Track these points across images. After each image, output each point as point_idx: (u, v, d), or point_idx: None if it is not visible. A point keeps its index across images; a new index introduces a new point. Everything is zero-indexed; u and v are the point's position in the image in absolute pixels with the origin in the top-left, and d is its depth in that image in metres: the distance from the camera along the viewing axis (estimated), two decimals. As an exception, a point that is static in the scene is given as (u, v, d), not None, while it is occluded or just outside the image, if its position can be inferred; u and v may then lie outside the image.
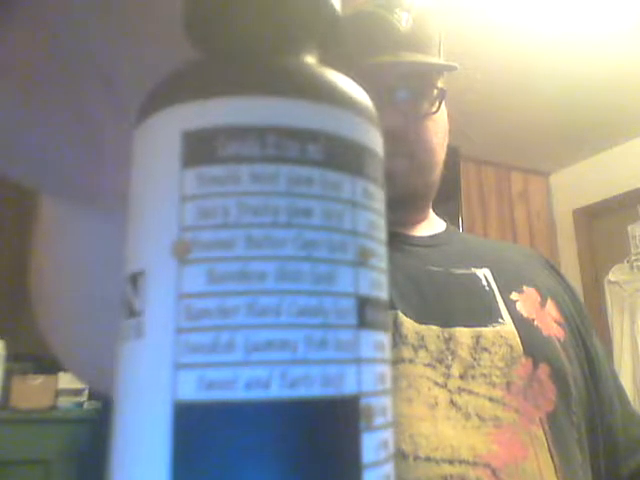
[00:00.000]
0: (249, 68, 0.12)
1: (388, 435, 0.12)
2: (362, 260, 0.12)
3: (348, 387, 0.11)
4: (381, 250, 0.13)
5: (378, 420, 0.11)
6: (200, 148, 0.12)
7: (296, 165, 0.12)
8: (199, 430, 0.10)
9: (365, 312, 0.12)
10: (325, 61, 0.14)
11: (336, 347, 0.11)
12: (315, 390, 0.10)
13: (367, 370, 0.11)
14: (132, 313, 0.12)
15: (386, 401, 0.12)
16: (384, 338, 0.12)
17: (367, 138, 0.13)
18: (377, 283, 0.12)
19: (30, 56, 0.16)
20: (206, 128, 0.12)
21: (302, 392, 0.10)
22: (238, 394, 0.10)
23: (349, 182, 0.12)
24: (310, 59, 0.14)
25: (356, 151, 0.12)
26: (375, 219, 0.12)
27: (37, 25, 0.16)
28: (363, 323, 0.11)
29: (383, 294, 0.12)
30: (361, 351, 0.11)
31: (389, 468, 0.11)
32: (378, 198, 0.13)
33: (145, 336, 0.11)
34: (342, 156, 0.12)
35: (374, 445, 0.11)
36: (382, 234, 0.13)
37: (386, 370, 0.12)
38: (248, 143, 0.11)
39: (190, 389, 0.10)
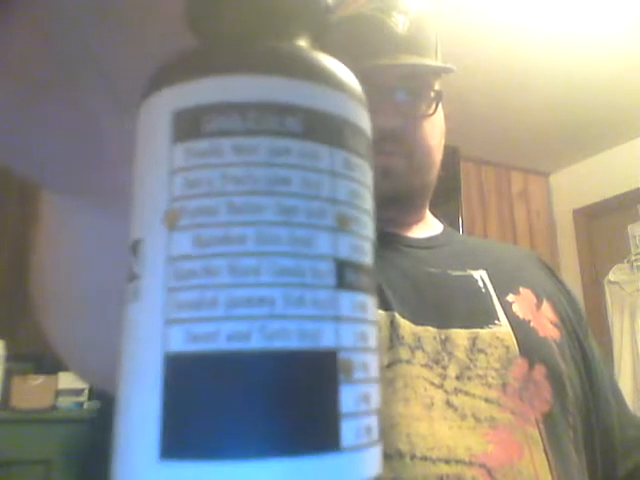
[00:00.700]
0: (231, 50, 0.13)
1: (371, 390, 0.12)
2: (341, 226, 0.12)
3: (325, 341, 0.12)
4: (363, 218, 0.13)
5: (358, 374, 0.12)
6: (187, 125, 0.13)
7: (275, 137, 0.12)
8: (186, 377, 0.11)
9: (344, 274, 0.12)
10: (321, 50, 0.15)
11: (313, 305, 0.12)
12: (292, 343, 0.11)
13: (346, 327, 0.12)
14: (132, 278, 0.13)
15: (368, 358, 0.12)
16: (367, 300, 0.13)
17: (347, 112, 0.13)
18: (358, 248, 0.13)
19: (28, 52, 0.16)
20: (192, 107, 0.13)
21: (280, 344, 0.11)
22: (220, 345, 0.11)
23: (328, 153, 0.13)
24: (298, 43, 0.15)
25: (335, 124, 0.13)
26: (356, 188, 0.13)
27: (34, 21, 0.16)
28: (342, 284, 0.12)
29: (365, 259, 0.13)
30: (340, 310, 0.12)
31: (371, 421, 0.12)
32: (361, 169, 0.13)
33: (141, 297, 0.13)
34: (321, 128, 0.13)
35: (353, 397, 0.12)
36: (364, 203, 0.13)
37: (368, 329, 0.13)
38: (230, 119, 0.12)
39: (178, 341, 0.12)
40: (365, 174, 0.14)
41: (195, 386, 0.11)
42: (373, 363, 0.13)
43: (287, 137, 0.12)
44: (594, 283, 3.06)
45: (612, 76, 2.44)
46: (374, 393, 0.12)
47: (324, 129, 0.13)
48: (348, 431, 0.11)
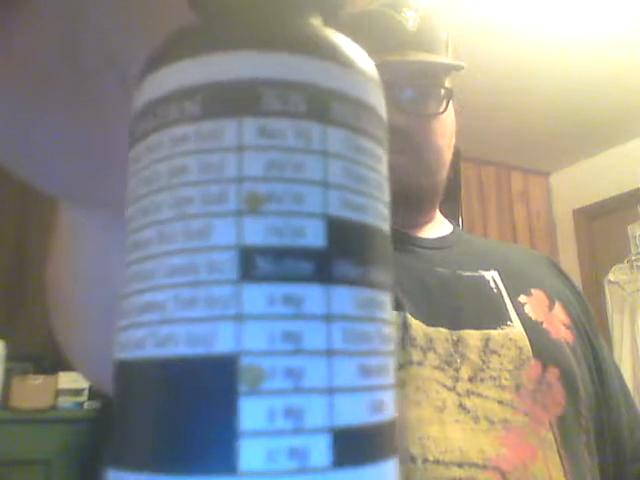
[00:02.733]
0: (232, 26, 0.12)
1: (302, 402, 0.10)
2: (250, 207, 0.11)
3: (220, 346, 0.10)
4: (290, 190, 0.11)
5: (274, 384, 0.10)
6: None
7: (174, 127, 0.11)
8: (113, 383, 0.12)
9: (253, 264, 0.10)
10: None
11: (206, 304, 0.10)
12: (180, 349, 0.10)
13: (254, 328, 0.10)
14: None
15: (299, 363, 0.10)
16: (293, 290, 0.10)
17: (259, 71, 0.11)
18: (278, 229, 0.11)
19: (37, 50, 0.16)
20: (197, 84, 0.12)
21: (169, 351, 0.10)
22: (129, 353, 0.11)
23: (233, 127, 0.11)
24: (306, 20, 0.13)
25: (242, 91, 0.11)
26: (278, 159, 0.11)
27: (44, 17, 0.15)
28: (249, 276, 0.10)
29: (295, 241, 0.11)
30: (244, 307, 0.10)
31: (301, 442, 0.10)
32: (284, 135, 0.11)
33: None
34: (220, 102, 0.11)
35: (262, 411, 0.10)
36: (292, 173, 0.11)
37: (295, 327, 0.10)
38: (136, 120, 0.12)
39: (115, 350, 0.12)
40: (295, 139, 0.11)
41: (114, 395, 0.12)
42: (314, 370, 0.10)
43: (185, 124, 0.11)
44: (594, 283, 3.06)
45: (612, 76, 2.44)
46: (308, 407, 0.10)
47: (226, 102, 0.11)
48: (252, 452, 0.10)
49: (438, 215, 0.66)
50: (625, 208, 2.98)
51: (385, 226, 0.12)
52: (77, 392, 1.80)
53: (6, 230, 2.11)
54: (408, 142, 0.56)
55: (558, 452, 0.48)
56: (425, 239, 0.61)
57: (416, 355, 0.48)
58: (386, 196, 0.13)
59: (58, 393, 1.79)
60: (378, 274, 0.12)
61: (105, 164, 0.19)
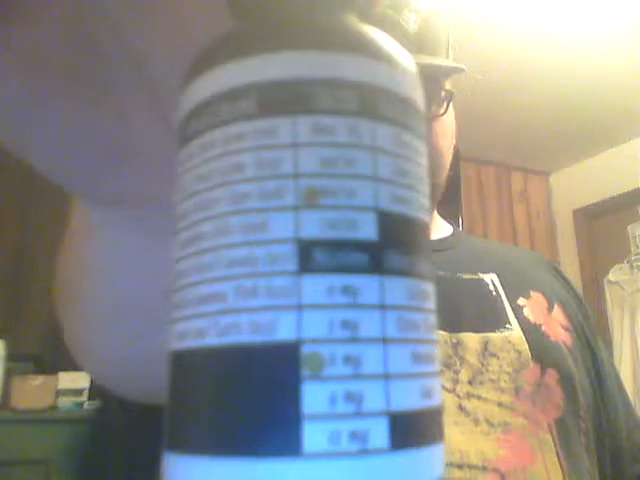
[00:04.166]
0: (275, 28, 0.12)
1: (361, 387, 0.11)
2: (307, 202, 0.11)
3: (282, 334, 0.11)
4: (344, 185, 0.11)
5: (335, 370, 0.10)
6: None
7: (229, 125, 0.12)
8: (169, 375, 0.12)
9: (311, 256, 0.11)
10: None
11: (267, 295, 0.11)
12: (243, 337, 0.11)
13: (314, 316, 0.11)
14: None
15: (358, 350, 0.11)
16: (349, 281, 0.11)
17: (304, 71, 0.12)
18: (333, 223, 0.11)
19: (56, 44, 0.16)
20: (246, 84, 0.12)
21: (232, 339, 0.11)
22: (189, 343, 0.12)
23: (288, 125, 0.11)
24: (344, 17, 0.14)
25: (295, 88, 0.12)
26: (331, 155, 0.11)
27: (62, 10, 0.15)
28: (307, 268, 0.11)
29: (349, 234, 0.11)
30: (304, 297, 0.11)
31: (362, 424, 0.10)
32: (336, 131, 0.12)
33: None
34: (275, 101, 0.12)
35: (324, 396, 0.10)
36: (345, 169, 0.11)
37: (352, 316, 0.11)
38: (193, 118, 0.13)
39: (172, 340, 0.12)
40: (349, 135, 0.12)
41: (171, 383, 0.12)
42: (371, 356, 0.11)
43: (239, 121, 0.12)
44: (594, 283, 3.06)
45: (612, 76, 2.44)
46: (368, 392, 0.11)
47: (280, 100, 0.12)
48: (315, 435, 0.10)
49: (436, 217, 0.66)
50: (625, 208, 2.98)
51: (427, 218, 0.13)
52: (77, 392, 1.80)
53: (6, 230, 2.11)
54: None
55: (557, 454, 0.48)
56: None
57: None
58: (427, 189, 0.13)
59: (58, 393, 1.79)
60: (424, 265, 0.12)
61: (120, 158, 0.19)
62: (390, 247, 0.11)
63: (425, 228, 0.13)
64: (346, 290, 0.11)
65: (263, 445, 0.10)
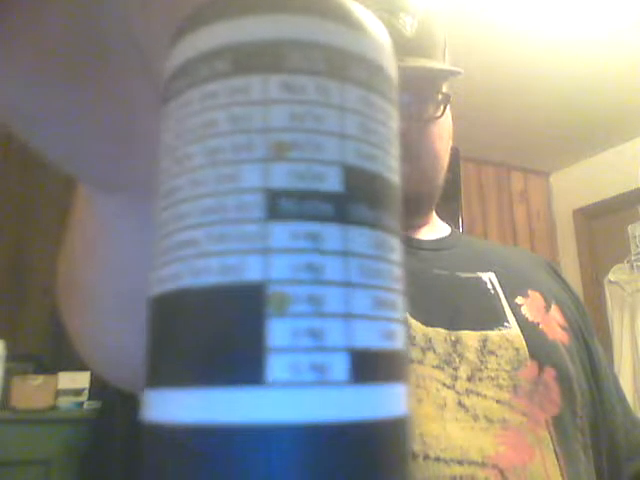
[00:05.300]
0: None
1: (325, 325, 0.11)
2: (276, 155, 0.12)
3: (249, 275, 0.11)
4: (311, 140, 0.12)
5: (299, 308, 0.11)
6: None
7: (205, 84, 0.12)
8: (149, 316, 0.13)
9: (278, 204, 0.12)
10: None
11: (236, 239, 0.12)
12: (214, 278, 0.12)
13: (279, 259, 0.11)
14: None
15: (321, 291, 0.11)
16: (313, 228, 0.12)
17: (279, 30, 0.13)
18: (300, 175, 0.12)
19: (64, 33, 0.16)
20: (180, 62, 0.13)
21: (204, 280, 0.12)
22: (166, 286, 0.12)
23: (259, 82, 0.12)
24: None
25: (269, 48, 0.12)
26: (300, 111, 0.12)
27: (74, 11, 0.15)
28: (274, 216, 0.12)
29: (315, 185, 0.12)
30: (270, 241, 0.11)
31: (324, 358, 0.11)
32: (305, 90, 0.12)
33: None
34: (248, 60, 0.12)
35: (287, 331, 0.11)
36: (313, 124, 0.12)
37: (316, 260, 0.12)
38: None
39: (153, 287, 0.13)
40: (319, 93, 0.12)
41: (149, 327, 0.13)
42: (333, 297, 0.11)
43: (215, 80, 0.13)
44: (594, 283, 3.06)
45: (612, 76, 2.44)
46: (331, 329, 0.11)
47: (254, 59, 0.12)
48: (279, 366, 0.11)
49: (435, 217, 0.67)
50: (625, 208, 2.98)
51: (395, 177, 0.14)
52: (77, 392, 1.80)
53: (6, 230, 2.11)
54: (405, 147, 0.56)
55: (555, 451, 0.49)
56: (423, 240, 0.62)
57: (416, 354, 0.49)
58: (396, 150, 0.14)
59: (58, 393, 1.79)
60: (389, 220, 0.13)
61: (125, 147, 0.19)
62: (355, 199, 0.12)
63: (392, 187, 0.14)
64: (310, 236, 0.12)
65: (231, 375, 0.11)
